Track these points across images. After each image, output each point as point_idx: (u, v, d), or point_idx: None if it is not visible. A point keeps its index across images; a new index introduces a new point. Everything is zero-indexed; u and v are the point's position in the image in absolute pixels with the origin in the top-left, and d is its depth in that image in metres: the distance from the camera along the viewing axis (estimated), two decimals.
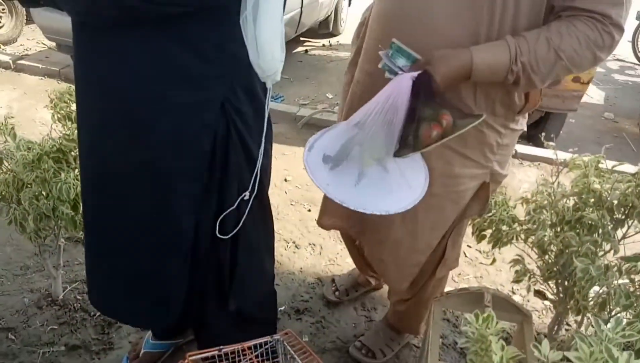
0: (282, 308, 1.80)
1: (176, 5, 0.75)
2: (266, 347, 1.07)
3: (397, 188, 1.02)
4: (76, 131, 1.49)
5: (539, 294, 1.40)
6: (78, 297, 1.78)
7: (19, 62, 3.56)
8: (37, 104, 3.13)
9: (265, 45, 0.81)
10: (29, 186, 1.41)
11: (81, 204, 1.13)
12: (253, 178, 0.97)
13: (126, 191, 0.95)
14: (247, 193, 0.98)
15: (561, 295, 1.31)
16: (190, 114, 0.87)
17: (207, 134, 0.90)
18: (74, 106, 1.60)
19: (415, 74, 0.93)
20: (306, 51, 5.05)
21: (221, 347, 1.01)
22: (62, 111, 1.56)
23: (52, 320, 1.68)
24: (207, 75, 0.85)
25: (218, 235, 0.96)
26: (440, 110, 0.93)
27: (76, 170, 1.48)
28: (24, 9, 4.51)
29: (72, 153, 1.49)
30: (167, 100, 0.86)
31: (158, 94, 0.85)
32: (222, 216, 0.96)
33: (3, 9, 4.40)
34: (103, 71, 0.87)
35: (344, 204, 0.93)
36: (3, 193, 1.49)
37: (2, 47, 4.35)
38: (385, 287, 1.84)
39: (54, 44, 4.06)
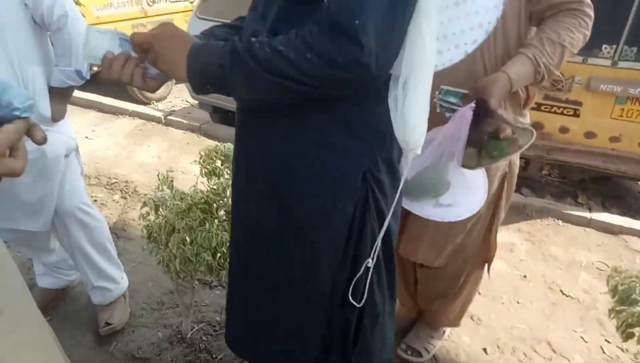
0: None
1: (339, 90, 0.83)
2: None
3: (463, 198, 1.33)
4: (221, 186, 1.68)
5: None
6: (204, 338, 1.91)
7: (168, 117, 4.10)
8: (180, 155, 3.55)
9: (412, 122, 0.86)
10: (178, 232, 1.60)
11: (229, 253, 1.24)
12: (378, 244, 1.00)
13: (272, 248, 1.03)
14: (370, 260, 1.01)
15: None
16: (335, 183, 0.94)
17: (349, 201, 0.96)
18: (218, 163, 1.80)
19: (472, 104, 1.20)
20: None
21: None
22: (209, 167, 1.76)
23: (180, 356, 1.82)
24: (353, 148, 0.92)
25: (350, 300, 0.99)
26: (498, 125, 1.21)
27: (216, 221, 1.65)
28: None
29: (215, 205, 1.66)
30: (315, 170, 0.93)
31: (308, 165, 0.93)
32: (354, 279, 0.99)
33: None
34: (258, 142, 0.98)
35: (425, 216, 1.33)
36: (154, 236, 1.70)
37: (155, 103, 5.07)
38: None
39: (196, 102, 4.64)
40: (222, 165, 1.77)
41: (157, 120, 4.11)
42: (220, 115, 4.12)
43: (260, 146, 0.97)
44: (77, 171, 1.85)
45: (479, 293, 2.30)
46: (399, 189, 1.01)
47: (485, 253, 1.67)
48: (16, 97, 0.61)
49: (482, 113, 1.21)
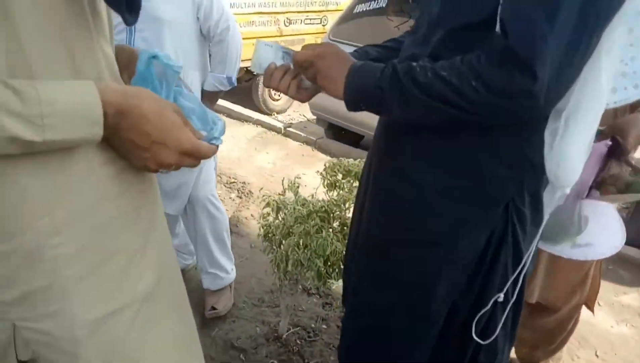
0: None
1: (500, 119, 0.83)
2: None
3: (599, 235, 1.25)
4: (341, 198, 1.74)
5: None
6: (298, 341, 1.97)
7: (287, 129, 4.34)
8: (294, 165, 3.72)
9: (569, 158, 0.82)
10: (293, 235, 1.68)
11: (344, 265, 1.28)
12: (515, 282, 0.96)
13: (392, 264, 1.04)
14: (502, 295, 0.98)
15: None
16: (474, 209, 0.93)
17: (485, 229, 0.94)
18: (339, 176, 1.87)
19: (608, 141, 1.21)
20: None
21: None
22: (331, 178, 1.83)
23: (274, 355, 1.89)
24: (500, 176, 0.90)
25: (474, 337, 0.96)
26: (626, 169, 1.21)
27: (330, 230, 1.70)
28: None
29: (332, 215, 1.72)
30: (456, 194, 0.93)
31: (449, 188, 0.93)
32: (478, 315, 0.96)
33: None
34: (401, 159, 1.00)
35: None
36: (270, 236, 1.80)
37: (276, 114, 5.38)
38: None
39: (313, 117, 4.84)
40: (342, 178, 1.84)
41: (277, 130, 4.36)
42: (334, 131, 4.26)
43: (402, 162, 0.99)
44: (212, 166, 2.04)
45: (597, 355, 2.09)
46: (541, 226, 0.97)
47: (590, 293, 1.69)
48: (219, 129, 0.74)
49: (616, 152, 1.21)
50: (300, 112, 5.60)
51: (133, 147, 0.65)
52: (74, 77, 0.60)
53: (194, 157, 0.70)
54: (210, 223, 2.04)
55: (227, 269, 2.14)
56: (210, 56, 1.93)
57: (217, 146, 0.73)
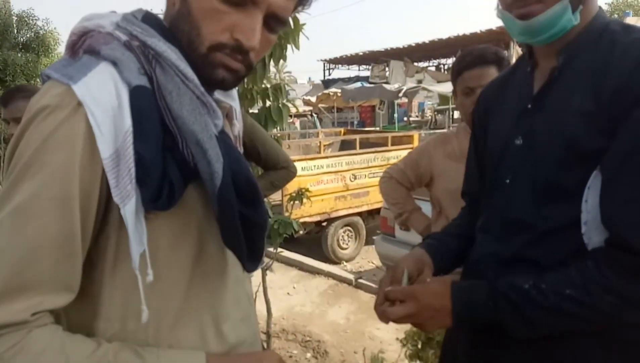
0: None
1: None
2: None
3: None
4: None
5: None
6: None
7: (359, 280, 4.39)
8: (368, 320, 3.68)
9: None
10: None
11: None
12: None
13: None
14: None
15: None
16: None
17: None
18: (419, 345, 1.86)
19: None
20: None
21: None
22: (412, 348, 1.83)
23: None
24: None
25: None
26: None
27: None
28: (364, 234, 5.72)
29: None
30: None
31: None
32: None
33: (350, 234, 5.69)
34: (498, 351, 0.96)
35: None
36: None
37: (345, 263, 5.49)
38: None
39: (382, 266, 4.89)
40: (422, 347, 1.83)
41: (347, 281, 4.42)
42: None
43: (500, 355, 0.97)
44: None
45: None
46: None
47: None
48: None
49: None
50: (368, 259, 5.68)
51: None
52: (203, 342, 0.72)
53: None
54: None
55: None
56: None
57: None
